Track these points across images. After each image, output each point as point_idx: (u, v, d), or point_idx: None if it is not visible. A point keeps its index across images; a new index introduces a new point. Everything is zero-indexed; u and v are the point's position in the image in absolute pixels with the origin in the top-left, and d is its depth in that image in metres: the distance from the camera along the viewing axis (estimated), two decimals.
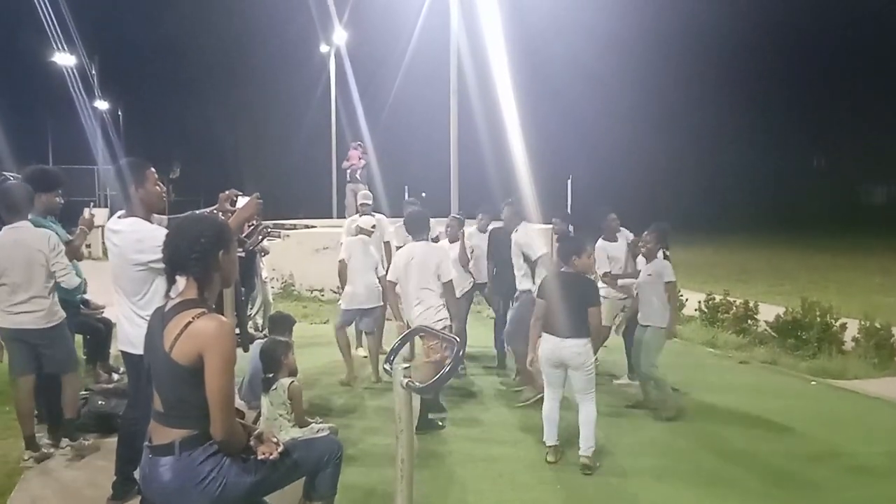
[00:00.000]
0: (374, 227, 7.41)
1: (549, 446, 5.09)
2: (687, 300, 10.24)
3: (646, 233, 6.27)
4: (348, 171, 15.55)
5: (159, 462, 2.60)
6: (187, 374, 2.53)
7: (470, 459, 5.12)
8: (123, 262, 3.83)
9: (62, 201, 5.26)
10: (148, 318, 2.83)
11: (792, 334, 8.53)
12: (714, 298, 9.96)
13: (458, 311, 6.17)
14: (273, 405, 4.64)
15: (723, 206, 40.51)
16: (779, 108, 50.18)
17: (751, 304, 9.47)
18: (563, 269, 5.21)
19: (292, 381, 4.70)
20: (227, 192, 4.58)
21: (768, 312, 9.22)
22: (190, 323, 2.54)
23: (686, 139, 47.00)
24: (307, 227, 8.45)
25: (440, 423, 5.85)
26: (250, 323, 8.20)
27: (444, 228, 7.95)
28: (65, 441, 4.98)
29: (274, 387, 4.68)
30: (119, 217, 3.95)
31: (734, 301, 9.75)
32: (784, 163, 51.24)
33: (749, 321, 9.29)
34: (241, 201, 4.52)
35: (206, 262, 2.68)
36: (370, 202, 8.30)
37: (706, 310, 9.90)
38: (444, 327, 5.70)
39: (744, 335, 9.03)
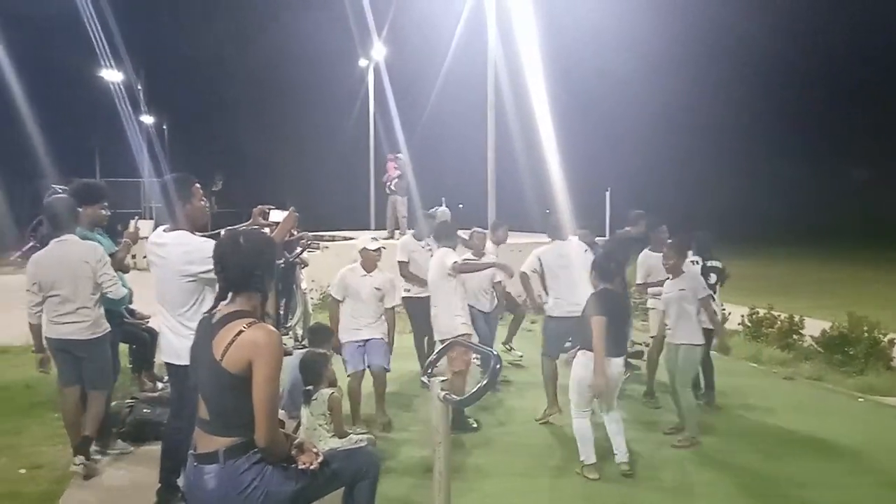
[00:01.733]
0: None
1: (590, 465, 4.97)
2: (730, 314, 10.05)
3: (665, 248, 6.02)
4: (387, 183, 15.72)
5: (204, 470, 2.65)
6: (236, 381, 2.59)
7: (507, 472, 5.10)
8: (171, 274, 3.90)
9: (108, 213, 5.35)
10: (194, 329, 2.89)
11: (839, 350, 8.30)
12: (758, 312, 9.75)
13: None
14: (313, 415, 4.69)
15: (763, 218, 39.69)
16: (820, 120, 49.31)
17: (796, 319, 9.26)
18: (603, 287, 5.13)
19: (332, 393, 4.74)
20: (259, 207, 4.70)
21: (813, 327, 9.01)
22: (241, 332, 2.60)
23: (726, 151, 46.40)
24: (346, 238, 8.53)
25: (475, 425, 5.84)
26: (290, 334, 8.29)
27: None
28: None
29: (314, 397, 4.72)
30: (164, 230, 4.03)
31: (778, 315, 9.54)
32: (826, 175, 50.15)
33: (794, 336, 9.08)
34: (274, 214, 4.63)
35: (266, 277, 2.80)
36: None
37: (750, 324, 9.69)
38: (462, 335, 5.73)
39: (789, 350, 8.83)
